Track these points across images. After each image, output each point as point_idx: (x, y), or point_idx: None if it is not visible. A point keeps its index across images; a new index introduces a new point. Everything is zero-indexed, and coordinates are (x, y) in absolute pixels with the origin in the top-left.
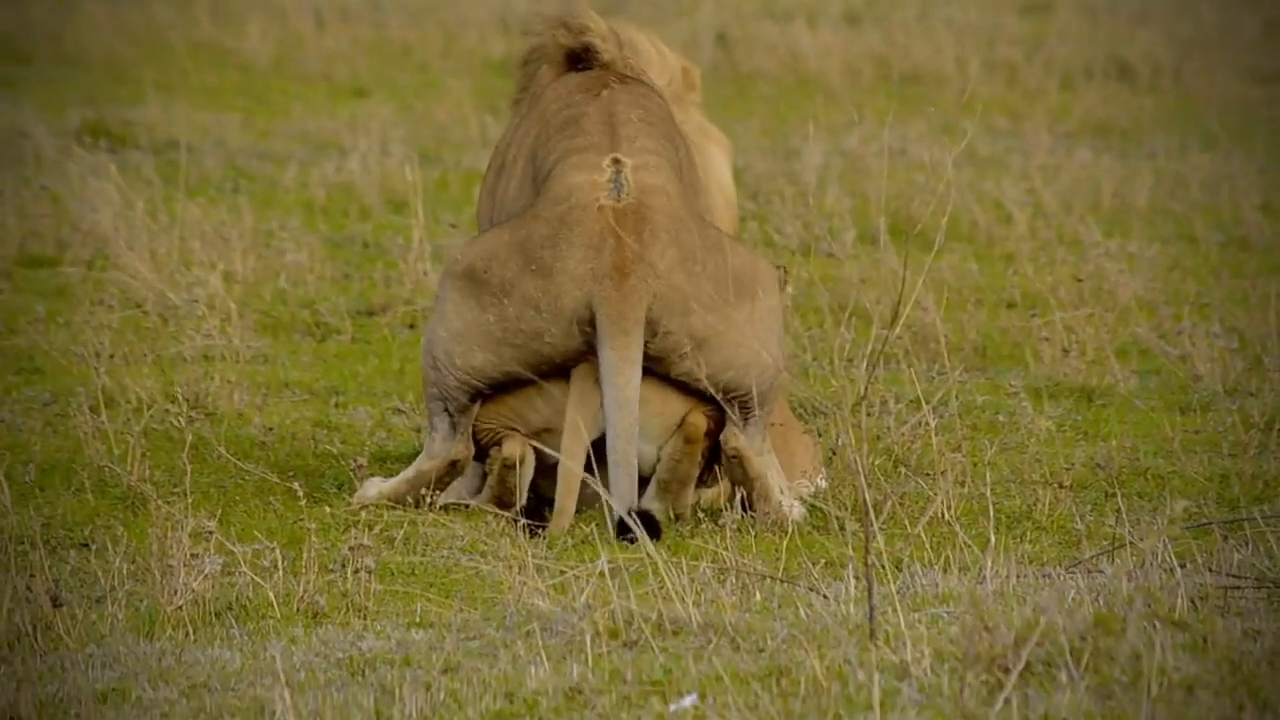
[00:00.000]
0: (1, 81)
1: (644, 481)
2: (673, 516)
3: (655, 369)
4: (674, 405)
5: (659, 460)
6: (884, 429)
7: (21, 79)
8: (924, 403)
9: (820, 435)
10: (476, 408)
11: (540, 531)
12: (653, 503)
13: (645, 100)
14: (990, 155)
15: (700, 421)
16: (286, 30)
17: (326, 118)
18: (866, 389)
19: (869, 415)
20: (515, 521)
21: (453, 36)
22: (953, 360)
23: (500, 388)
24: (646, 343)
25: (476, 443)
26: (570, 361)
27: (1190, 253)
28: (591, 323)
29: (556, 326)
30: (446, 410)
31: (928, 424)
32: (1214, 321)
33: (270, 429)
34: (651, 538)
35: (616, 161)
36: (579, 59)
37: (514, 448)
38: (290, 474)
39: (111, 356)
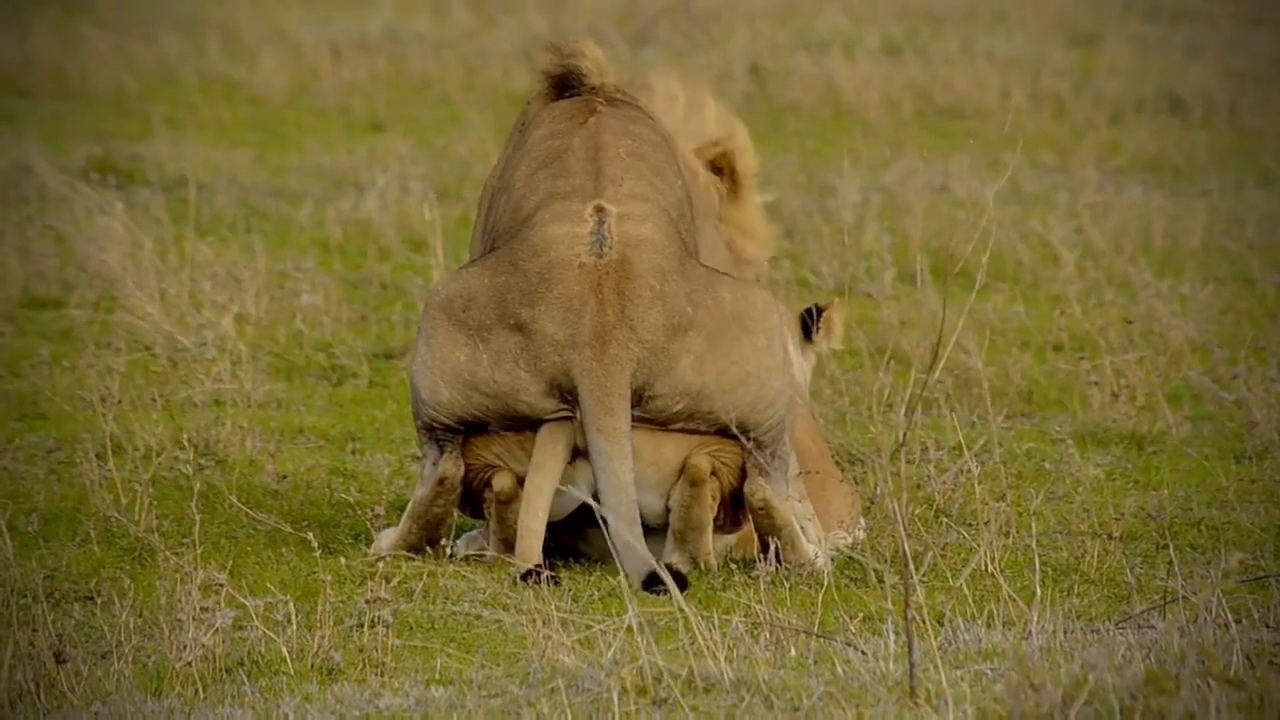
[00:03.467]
0: (4, 116)
1: (657, 530)
2: (701, 566)
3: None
4: (668, 452)
5: (669, 510)
6: (924, 477)
7: (25, 113)
8: (966, 450)
9: (858, 484)
10: (461, 433)
11: (555, 579)
12: (672, 555)
13: (635, 126)
14: (1036, 192)
15: (702, 462)
16: (301, 63)
17: (343, 153)
18: (906, 435)
19: (909, 463)
20: (516, 580)
21: (474, 69)
22: (996, 406)
23: (471, 428)
24: (637, 414)
25: (470, 486)
26: (543, 420)
27: (1246, 294)
28: (572, 391)
29: (535, 386)
30: (434, 437)
31: (970, 472)
32: (1270, 365)
33: (284, 477)
34: (679, 589)
35: (600, 210)
36: (566, 85)
37: (502, 481)
38: (304, 524)
39: (119, 401)
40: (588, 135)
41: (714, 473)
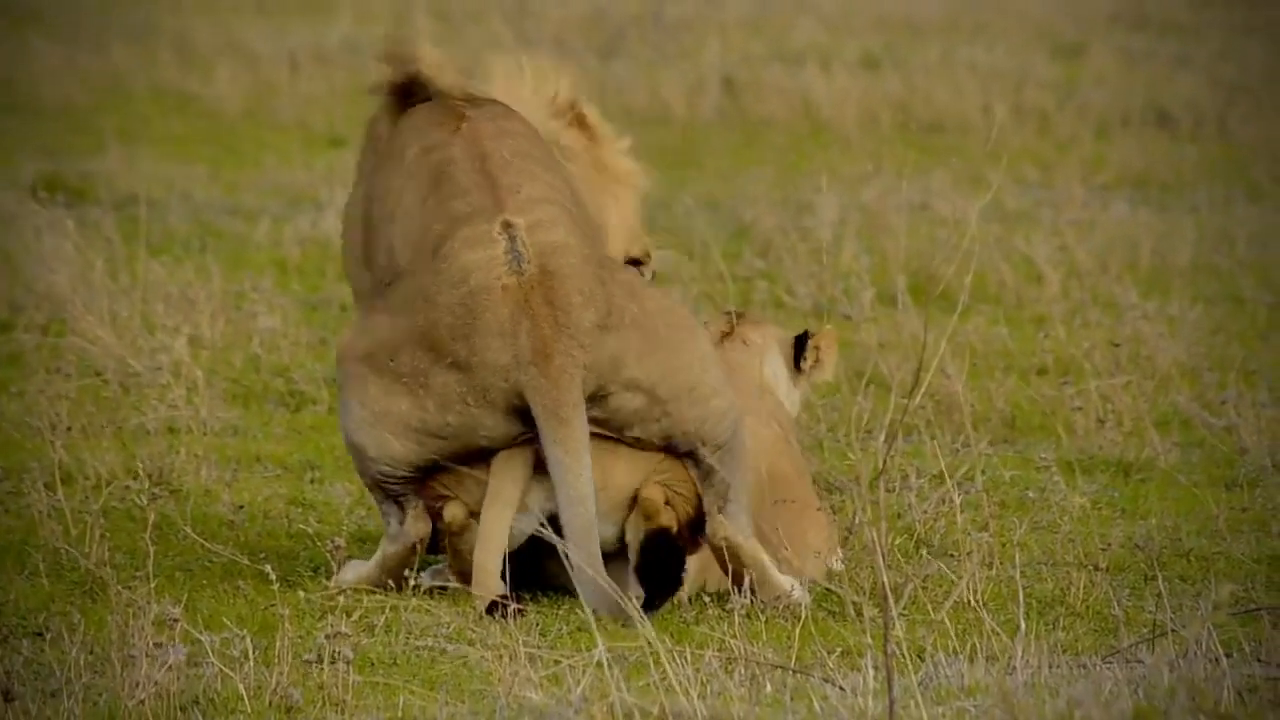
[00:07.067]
0: None
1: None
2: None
3: (609, 435)
4: (619, 478)
5: (625, 540)
6: (905, 506)
7: None
8: (948, 478)
9: (836, 513)
10: (417, 486)
11: (521, 611)
12: (636, 589)
13: (507, 124)
14: (1019, 209)
15: (654, 494)
16: (258, 76)
17: (301, 169)
18: (885, 463)
19: (888, 491)
20: (481, 615)
21: None
22: (979, 432)
23: (428, 472)
24: (594, 415)
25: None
26: (509, 446)
27: (1236, 315)
28: (528, 410)
29: (490, 419)
30: (389, 494)
31: (952, 501)
32: (1261, 390)
33: (240, 507)
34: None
35: (508, 226)
36: (410, 94)
37: (453, 512)
38: (262, 556)
39: (68, 429)
40: (467, 144)
41: (668, 503)
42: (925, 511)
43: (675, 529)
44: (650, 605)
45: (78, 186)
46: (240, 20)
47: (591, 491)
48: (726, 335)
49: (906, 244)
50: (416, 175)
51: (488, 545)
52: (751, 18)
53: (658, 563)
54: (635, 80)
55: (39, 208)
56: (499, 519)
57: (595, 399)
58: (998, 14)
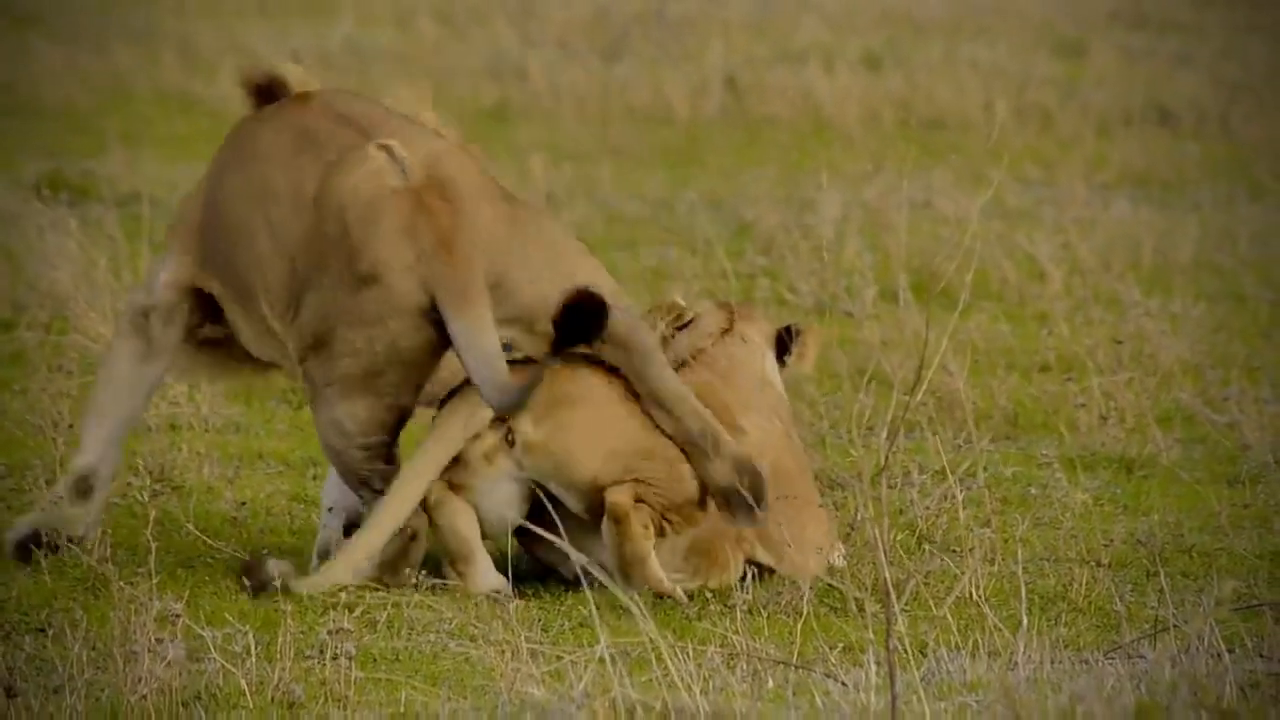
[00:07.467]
0: None
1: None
2: (685, 597)
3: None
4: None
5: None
6: (907, 502)
7: None
8: (950, 474)
9: (838, 509)
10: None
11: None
12: (624, 592)
13: (361, 99)
14: (1021, 207)
15: (621, 498)
16: None
17: None
18: (888, 459)
19: (891, 488)
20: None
21: (441, 85)
22: (981, 428)
23: (399, 424)
24: (498, 312)
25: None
26: (430, 357)
27: (1238, 312)
28: (434, 307)
29: (403, 323)
30: (375, 490)
31: (954, 497)
32: (1264, 386)
33: (242, 504)
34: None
35: (382, 146)
36: (274, 96)
37: (434, 490)
38: (264, 552)
39: (70, 426)
40: (322, 108)
41: (641, 500)
42: (927, 507)
43: (646, 529)
44: None
45: (80, 186)
46: (243, 22)
47: (499, 349)
48: (726, 331)
49: (908, 241)
50: (274, 157)
51: (418, 474)
52: (754, 17)
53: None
54: (639, 80)
55: (42, 206)
56: (435, 451)
57: (495, 289)
58: (999, 13)
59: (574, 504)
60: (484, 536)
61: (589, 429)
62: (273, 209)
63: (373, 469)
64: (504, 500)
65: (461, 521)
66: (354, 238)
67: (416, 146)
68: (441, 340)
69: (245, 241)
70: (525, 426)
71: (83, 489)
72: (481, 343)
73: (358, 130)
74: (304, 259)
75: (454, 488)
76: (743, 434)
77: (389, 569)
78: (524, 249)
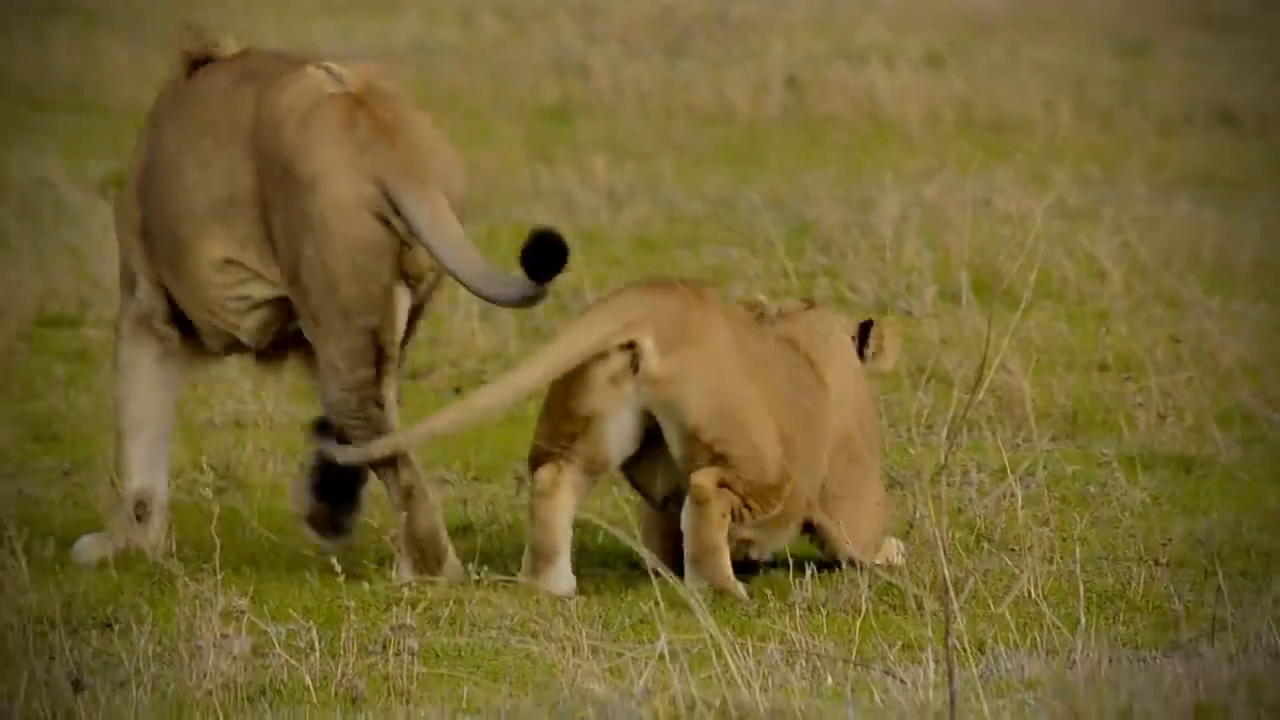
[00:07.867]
0: (20, 130)
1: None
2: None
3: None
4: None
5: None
6: (966, 501)
7: (41, 127)
8: (1009, 473)
9: (898, 507)
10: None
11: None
12: (692, 583)
13: (285, 60)
14: (1082, 207)
15: (705, 481)
16: None
17: None
18: (947, 458)
19: (950, 486)
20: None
21: (503, 82)
22: (1040, 427)
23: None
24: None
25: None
26: (390, 268)
27: None
28: (387, 197)
29: (350, 224)
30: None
31: (1013, 496)
32: None
33: None
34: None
35: (320, 66)
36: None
37: (545, 473)
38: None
39: None
40: (257, 54)
41: (724, 484)
42: (986, 506)
43: (724, 517)
44: None
45: None
46: (308, 20)
47: (464, 234)
48: (810, 306)
49: (969, 240)
50: (210, 102)
51: (532, 366)
52: (816, 17)
53: None
54: (701, 79)
55: (107, 205)
56: (555, 353)
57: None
58: (1061, 12)
59: (675, 447)
60: (601, 469)
61: (705, 378)
62: (213, 141)
63: (365, 415)
64: (623, 430)
65: (560, 518)
66: (293, 143)
67: (357, 65)
68: (395, 244)
69: (189, 183)
70: (651, 355)
71: (140, 513)
72: (445, 228)
73: (293, 63)
74: (257, 182)
75: (576, 421)
76: (823, 386)
77: (422, 562)
78: (445, 152)
